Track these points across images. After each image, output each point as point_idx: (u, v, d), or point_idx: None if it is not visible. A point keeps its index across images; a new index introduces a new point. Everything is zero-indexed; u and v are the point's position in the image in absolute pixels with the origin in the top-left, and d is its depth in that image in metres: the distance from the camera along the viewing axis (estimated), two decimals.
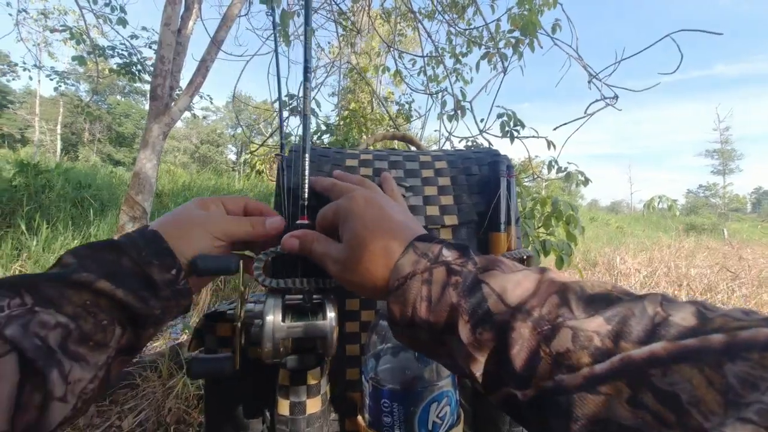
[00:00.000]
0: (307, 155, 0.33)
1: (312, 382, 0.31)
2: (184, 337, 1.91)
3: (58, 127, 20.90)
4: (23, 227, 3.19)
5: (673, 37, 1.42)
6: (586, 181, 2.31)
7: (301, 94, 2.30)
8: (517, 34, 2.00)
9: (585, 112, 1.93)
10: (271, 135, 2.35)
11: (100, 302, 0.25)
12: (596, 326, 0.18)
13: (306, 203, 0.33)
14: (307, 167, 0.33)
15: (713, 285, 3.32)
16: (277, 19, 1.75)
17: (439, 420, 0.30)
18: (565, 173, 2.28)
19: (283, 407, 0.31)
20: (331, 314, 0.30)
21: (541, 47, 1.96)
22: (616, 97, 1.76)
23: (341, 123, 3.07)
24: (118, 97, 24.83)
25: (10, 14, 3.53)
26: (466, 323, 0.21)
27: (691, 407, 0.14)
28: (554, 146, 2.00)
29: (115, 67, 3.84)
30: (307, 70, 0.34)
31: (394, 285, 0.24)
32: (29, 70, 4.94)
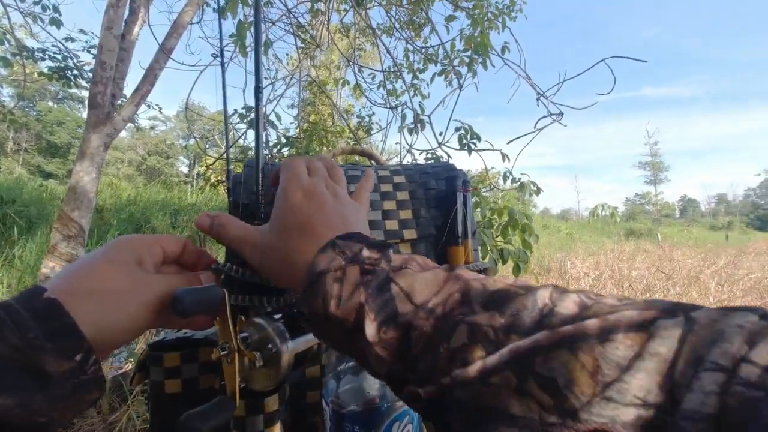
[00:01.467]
0: (260, 174, 0.32)
1: (270, 410, 0.30)
2: (129, 366, 1.74)
3: None
4: None
5: (607, 62, 1.58)
6: (539, 191, 2.47)
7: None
8: (470, 53, 2.11)
9: (534, 127, 2.07)
10: (229, 148, 2.26)
11: None
12: (492, 321, 0.19)
13: (262, 222, 0.32)
14: (260, 185, 0.32)
15: (651, 285, 3.65)
16: (233, 30, 1.70)
17: None
18: (518, 183, 2.42)
19: None
20: None
21: (494, 66, 2.08)
22: (561, 114, 1.91)
23: (301, 135, 3.03)
24: (50, 103, 22.69)
25: None
26: (373, 321, 0.22)
27: (566, 390, 0.15)
28: (508, 158, 2.12)
29: (46, 70, 3.51)
30: (258, 90, 0.33)
31: (308, 281, 0.25)
32: None
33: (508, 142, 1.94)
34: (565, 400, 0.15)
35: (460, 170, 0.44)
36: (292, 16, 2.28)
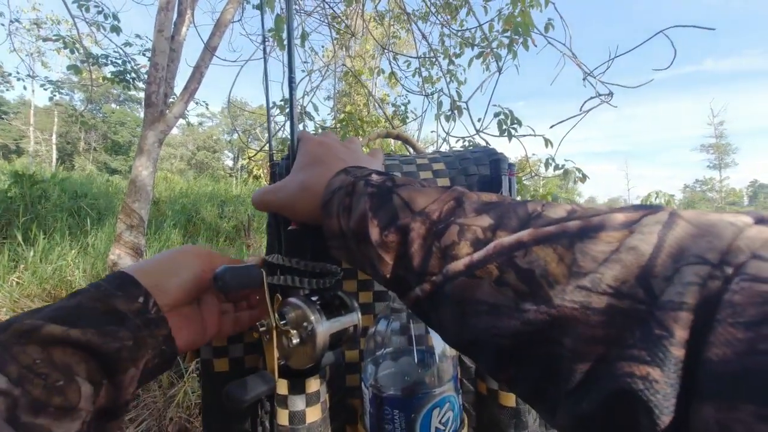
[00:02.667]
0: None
1: (311, 390, 0.31)
2: None
3: (53, 136, 20.84)
4: (20, 238, 3.17)
5: (666, 33, 1.43)
6: (584, 178, 2.32)
7: (297, 98, 2.29)
8: (510, 33, 2.00)
9: (581, 110, 1.93)
10: (269, 141, 2.34)
11: (53, 356, 0.21)
12: (480, 221, 0.20)
13: None
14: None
15: None
16: (272, 24, 1.74)
17: (442, 426, 0.29)
18: (562, 170, 2.29)
19: (282, 417, 0.30)
20: (356, 304, 0.31)
21: (536, 46, 1.96)
22: (610, 93, 1.77)
23: (337, 126, 3.07)
24: (113, 105, 24.80)
25: (2, 24, 3.51)
26: (375, 226, 0.23)
27: (541, 279, 0.16)
28: (551, 144, 2.01)
29: (109, 75, 3.82)
30: (291, 81, 0.34)
31: (325, 199, 0.27)
32: (23, 80, 4.93)
33: (551, 126, 1.83)
34: (539, 287, 0.16)
35: (502, 154, 0.42)
36: (327, 5, 2.28)
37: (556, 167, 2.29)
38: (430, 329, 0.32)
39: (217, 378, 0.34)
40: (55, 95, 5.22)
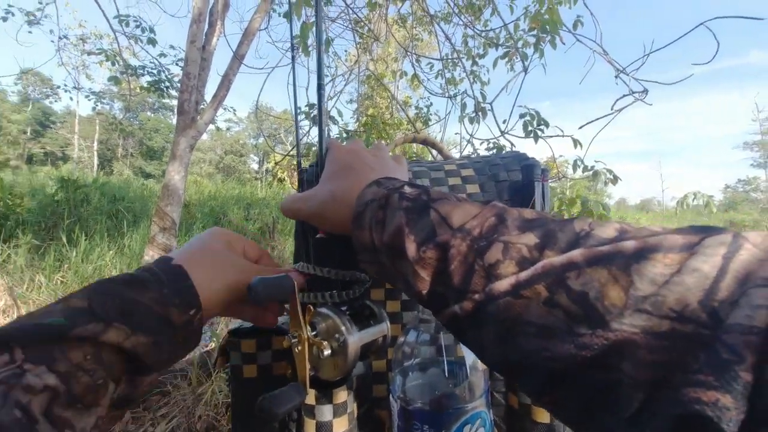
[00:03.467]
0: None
1: (339, 400, 0.30)
2: (212, 345, 1.95)
3: (95, 143, 22.22)
4: (64, 239, 3.39)
5: (707, 25, 1.34)
6: (615, 179, 2.21)
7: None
8: (536, 32, 1.95)
9: (612, 108, 1.85)
10: (295, 146, 2.39)
11: (103, 355, 0.22)
12: (526, 239, 0.19)
13: None
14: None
15: None
16: (297, 32, 1.78)
17: None
18: (592, 172, 2.20)
19: (310, 427, 0.30)
20: (385, 314, 0.31)
21: (564, 44, 1.90)
22: (645, 91, 1.68)
23: (361, 129, 3.09)
24: (148, 113, 26.13)
25: (52, 41, 3.78)
26: (412, 242, 0.22)
27: (596, 302, 0.15)
28: (580, 145, 1.93)
29: (145, 84, 4.03)
30: (320, 88, 0.34)
31: (357, 212, 0.26)
32: (69, 92, 5.29)
33: (580, 127, 1.77)
34: (594, 310, 0.15)
35: (534, 159, 0.40)
36: (350, 11, 2.31)
37: (585, 169, 2.20)
38: (454, 350, 0.31)
39: (246, 384, 0.35)
40: (97, 105, 5.56)
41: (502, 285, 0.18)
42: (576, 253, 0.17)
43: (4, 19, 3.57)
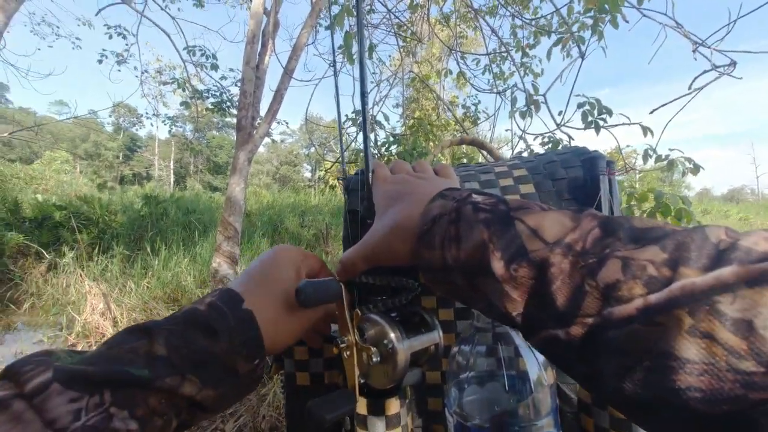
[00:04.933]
0: (370, 174, 0.32)
1: (391, 412, 0.29)
2: None
3: (171, 163, 24.95)
4: (148, 249, 3.82)
5: None
6: (696, 169, 1.95)
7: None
8: (593, 12, 1.79)
9: (690, 87, 1.63)
10: (341, 154, 2.46)
11: (176, 401, 0.24)
12: (650, 255, 0.16)
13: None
14: (370, 188, 0.32)
15: None
16: (342, 42, 1.83)
17: None
18: (666, 162, 1.96)
19: None
20: (437, 321, 0.30)
21: (627, 22, 1.72)
22: (733, 63, 1.46)
23: (408, 132, 3.08)
24: (214, 132, 28.71)
25: (136, 76, 4.32)
26: (499, 260, 0.20)
27: (766, 332, 0.13)
28: (651, 132, 1.73)
29: (209, 106, 4.43)
30: (363, 95, 0.33)
31: (423, 230, 0.24)
32: (150, 119, 6.00)
33: (653, 111, 1.58)
34: (765, 342, 0.13)
35: (596, 151, 0.36)
36: (393, 15, 2.32)
37: (659, 158, 1.96)
38: (522, 352, 0.28)
39: (299, 391, 0.35)
40: (172, 128, 6.24)
41: (627, 309, 0.16)
42: (727, 272, 0.14)
43: (100, 62, 4.16)
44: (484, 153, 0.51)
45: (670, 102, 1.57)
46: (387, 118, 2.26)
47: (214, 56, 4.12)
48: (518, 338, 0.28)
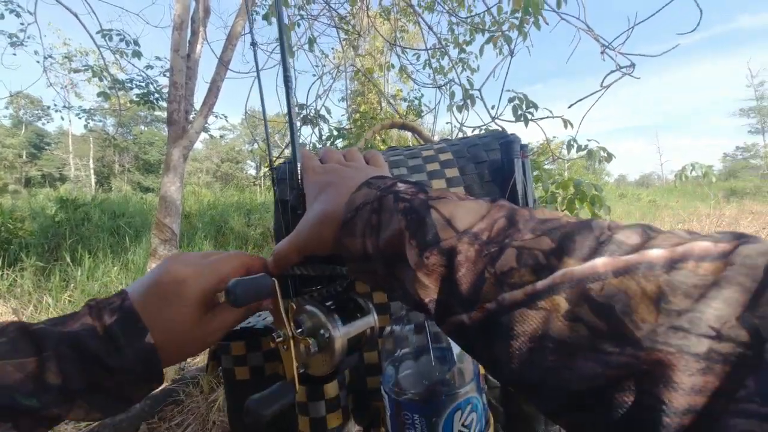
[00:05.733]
0: (299, 165, 0.32)
1: (330, 395, 0.30)
2: None
3: (91, 162, 22.23)
4: (68, 259, 3.40)
5: None
6: (609, 157, 2.20)
7: (310, 102, 2.32)
8: (520, 14, 1.93)
9: (601, 85, 1.84)
10: (285, 148, 2.39)
11: (57, 422, 0.25)
12: (540, 245, 0.18)
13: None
14: (300, 179, 0.32)
15: None
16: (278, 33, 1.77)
17: (465, 429, 0.28)
18: (586, 151, 2.19)
19: (304, 425, 0.30)
20: (371, 306, 0.31)
21: (547, 24, 1.88)
22: (632, 65, 1.66)
23: (352, 126, 3.08)
24: (142, 126, 26.10)
25: (38, 61, 3.76)
26: (414, 248, 0.21)
27: (624, 316, 0.14)
28: (571, 125, 1.92)
29: (134, 98, 4.02)
30: (288, 82, 0.33)
31: (347, 218, 0.25)
32: (60, 112, 5.27)
33: (569, 106, 1.76)
34: (622, 326, 0.14)
35: (513, 134, 0.40)
36: (332, 9, 2.29)
37: (579, 148, 2.19)
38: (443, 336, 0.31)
39: (239, 386, 0.35)
40: (88, 123, 5.55)
41: (517, 295, 0.17)
42: (599, 262, 0.16)
43: None
44: (418, 138, 0.54)
45: (584, 98, 1.75)
46: (329, 112, 2.23)
47: (135, 42, 3.72)
48: None
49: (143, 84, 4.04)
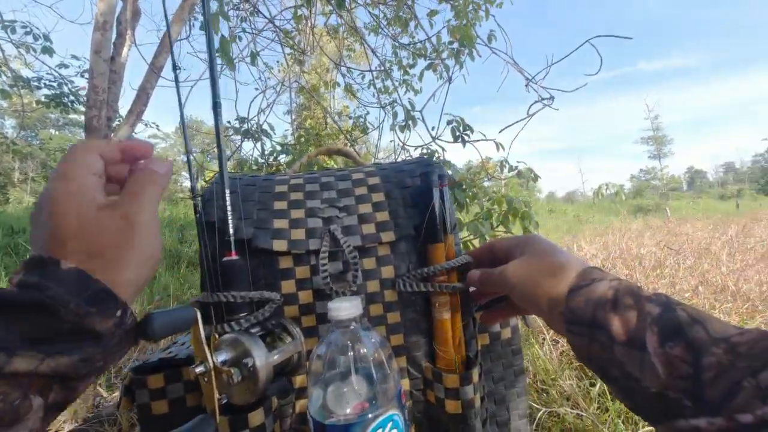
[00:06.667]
0: (227, 189, 0.32)
1: (255, 424, 0.30)
2: None
3: None
4: None
5: (592, 42, 1.56)
6: (536, 178, 2.44)
7: (252, 116, 2.25)
8: (456, 45, 2.10)
9: (527, 113, 2.05)
10: (229, 158, 2.27)
11: (17, 381, 0.20)
12: None
13: (233, 238, 0.32)
14: (228, 202, 0.32)
15: (662, 260, 3.61)
16: (217, 45, 1.71)
17: None
18: (516, 171, 2.40)
19: None
20: (298, 330, 0.31)
21: (480, 56, 2.07)
22: (551, 98, 1.89)
23: (297, 142, 3.04)
24: (52, 130, 23.01)
25: None
26: (655, 334, 0.21)
27: None
28: (502, 147, 2.10)
29: (43, 99, 3.56)
30: (216, 106, 0.33)
31: (582, 283, 0.25)
32: None
33: (500, 131, 1.93)
34: None
35: (437, 164, 0.44)
36: (276, 26, 2.28)
37: (511, 168, 2.40)
38: (368, 347, 0.32)
39: (157, 422, 0.33)
40: None
41: None
42: None
43: None
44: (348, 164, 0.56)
45: (513, 124, 1.94)
46: (272, 128, 2.19)
47: (46, 37, 3.31)
48: (367, 335, 0.33)
49: (54, 84, 3.61)
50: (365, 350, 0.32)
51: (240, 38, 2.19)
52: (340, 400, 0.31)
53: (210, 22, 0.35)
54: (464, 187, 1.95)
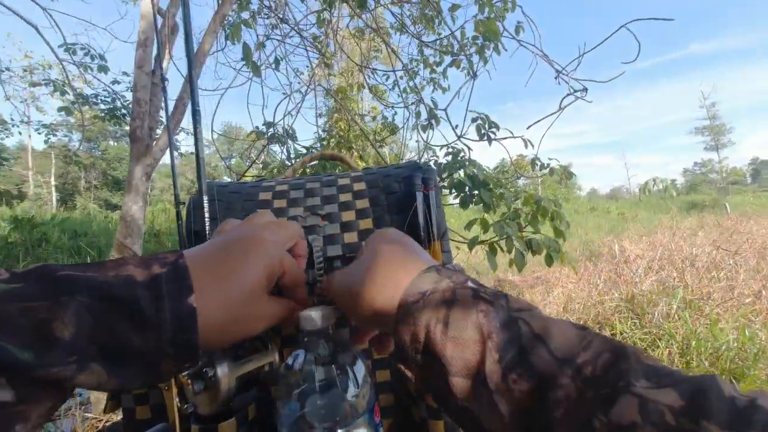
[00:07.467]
0: (205, 197, 0.32)
1: None
2: None
3: (52, 178, 21.18)
4: None
5: (628, 27, 1.44)
6: (571, 175, 2.31)
7: (278, 120, 2.32)
8: (481, 40, 2.03)
9: (559, 107, 1.94)
10: (252, 163, 2.37)
11: (59, 388, 0.19)
12: (665, 398, 0.15)
13: None
14: (206, 210, 0.32)
15: (717, 263, 3.28)
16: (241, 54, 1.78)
17: None
18: (548, 169, 2.29)
19: None
20: (272, 340, 0.31)
21: (506, 50, 1.99)
22: (584, 90, 1.78)
23: (324, 145, 3.09)
24: (111, 142, 25.21)
25: None
26: (496, 363, 0.17)
27: None
28: (531, 144, 2.01)
29: (100, 113, 3.91)
30: (195, 114, 0.34)
31: (407, 302, 0.21)
32: (17, 126, 5.04)
33: (528, 127, 1.84)
34: None
35: (426, 167, 0.42)
36: (299, 32, 2.33)
37: (542, 167, 2.29)
38: (343, 359, 0.31)
39: (140, 426, 0.34)
40: (49, 138, 5.33)
41: None
42: None
43: None
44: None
45: (542, 119, 1.84)
46: (294, 132, 2.24)
47: (101, 57, 3.64)
48: (340, 347, 0.31)
49: (109, 99, 3.94)
50: (334, 363, 0.30)
51: (264, 45, 2.26)
52: (320, 412, 0.30)
53: (190, 25, 0.35)
54: (491, 186, 1.88)
